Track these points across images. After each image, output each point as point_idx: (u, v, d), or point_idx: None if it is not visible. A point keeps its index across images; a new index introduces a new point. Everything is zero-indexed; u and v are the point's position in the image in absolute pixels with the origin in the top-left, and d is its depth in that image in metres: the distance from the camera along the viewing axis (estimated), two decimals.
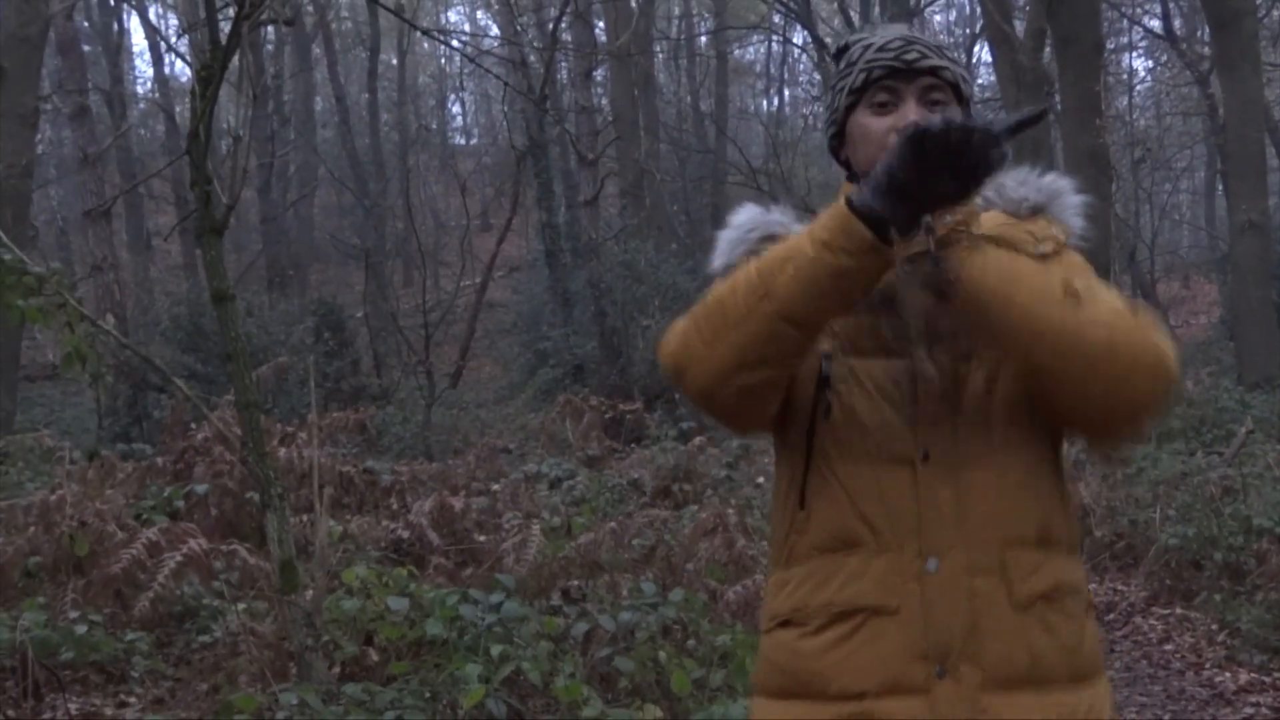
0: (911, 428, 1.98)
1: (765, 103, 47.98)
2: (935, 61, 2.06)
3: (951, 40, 43.39)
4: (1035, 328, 1.88)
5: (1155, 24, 29.67)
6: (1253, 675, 6.43)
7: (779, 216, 2.18)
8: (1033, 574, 1.96)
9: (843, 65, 2.13)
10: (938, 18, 45.28)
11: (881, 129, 2.04)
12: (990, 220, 2.11)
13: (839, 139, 2.16)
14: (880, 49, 2.07)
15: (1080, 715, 1.95)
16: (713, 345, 1.98)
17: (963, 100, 2.09)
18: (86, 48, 27.10)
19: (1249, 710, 6.01)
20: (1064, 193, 2.16)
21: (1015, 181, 2.16)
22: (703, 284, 2.15)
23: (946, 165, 1.78)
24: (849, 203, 1.85)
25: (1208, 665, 6.79)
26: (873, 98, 2.07)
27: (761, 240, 2.14)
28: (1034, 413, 1.99)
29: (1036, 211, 2.13)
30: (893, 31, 2.10)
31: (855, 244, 1.85)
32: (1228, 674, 6.56)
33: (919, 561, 1.94)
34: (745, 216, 2.21)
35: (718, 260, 2.18)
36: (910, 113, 2.02)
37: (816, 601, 1.99)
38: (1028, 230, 2.08)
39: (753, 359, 1.95)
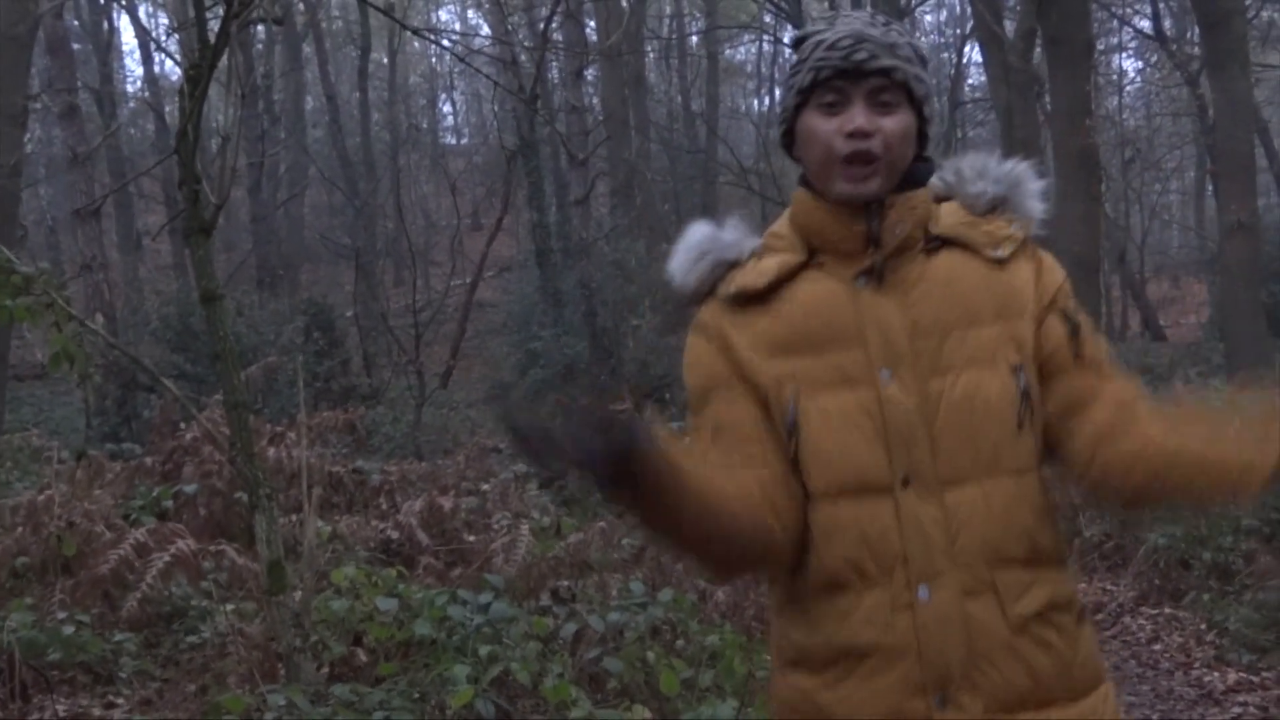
0: (887, 455, 1.95)
1: (756, 102, 47.98)
2: (885, 62, 1.99)
3: (942, 40, 43.50)
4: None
5: (1145, 25, 29.72)
6: (1241, 675, 6.45)
7: (731, 236, 2.15)
8: (1025, 594, 1.94)
9: (795, 61, 2.09)
10: (928, 18, 45.28)
11: (828, 131, 2.00)
12: (948, 215, 2.09)
13: (790, 137, 2.12)
14: (830, 47, 2.01)
15: None
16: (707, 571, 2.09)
17: (915, 102, 2.04)
18: (76, 46, 27.00)
19: (1237, 710, 6.02)
20: (1023, 180, 2.12)
21: (973, 171, 2.12)
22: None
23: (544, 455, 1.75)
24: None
25: (1196, 665, 6.81)
26: (821, 98, 2.02)
27: (713, 267, 2.12)
28: (1015, 424, 1.97)
29: (995, 206, 2.10)
30: (846, 27, 2.03)
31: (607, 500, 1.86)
32: (1216, 674, 6.58)
33: (909, 592, 1.92)
34: (696, 238, 2.16)
35: (675, 281, 2.17)
36: (857, 115, 1.98)
37: (814, 642, 1.99)
38: (985, 231, 2.06)
39: (729, 565, 2.09)
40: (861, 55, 1.99)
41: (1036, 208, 2.11)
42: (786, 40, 37.57)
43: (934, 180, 2.12)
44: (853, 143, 1.98)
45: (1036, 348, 2.03)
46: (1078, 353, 2.04)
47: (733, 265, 2.11)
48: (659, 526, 1.90)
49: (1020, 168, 2.13)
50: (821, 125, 2.02)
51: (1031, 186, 2.12)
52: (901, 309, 2.00)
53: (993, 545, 1.93)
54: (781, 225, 2.15)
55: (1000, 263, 2.04)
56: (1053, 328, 2.04)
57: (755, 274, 2.08)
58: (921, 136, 2.07)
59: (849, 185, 2.00)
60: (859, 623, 1.94)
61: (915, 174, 2.06)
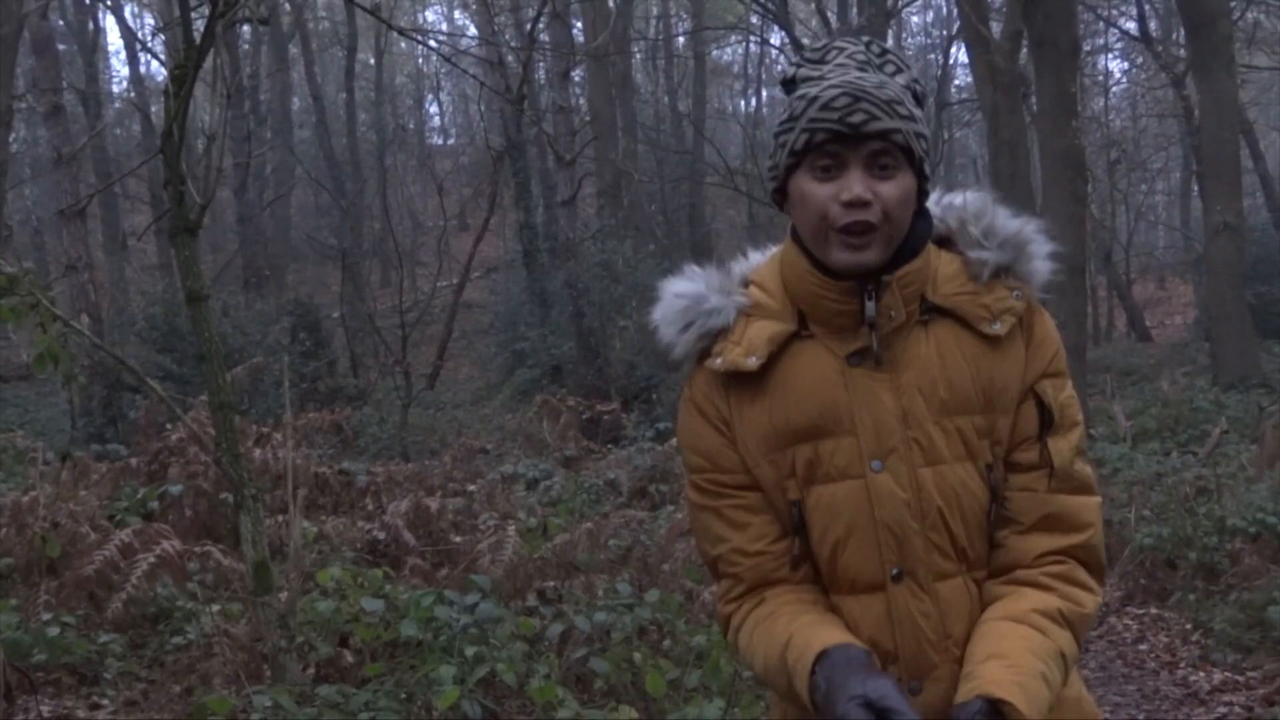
0: (878, 551, 1.93)
1: (743, 103, 48.11)
2: (884, 125, 1.87)
3: (928, 41, 43.58)
4: None
5: (1131, 26, 29.81)
6: (1226, 675, 6.46)
7: (715, 300, 2.05)
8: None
9: (785, 117, 1.96)
10: (914, 19, 45.42)
11: (823, 197, 1.90)
12: (946, 282, 2.00)
13: (782, 194, 2.01)
14: (825, 106, 1.88)
15: None
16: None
17: (915, 162, 1.93)
18: (61, 46, 26.93)
19: (1222, 709, 6.03)
20: (1030, 243, 2.02)
21: (978, 228, 2.02)
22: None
23: None
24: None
25: (1182, 665, 6.82)
26: (815, 161, 1.91)
27: (700, 338, 2.04)
28: (988, 521, 1.97)
29: (999, 274, 2.01)
30: (839, 77, 1.91)
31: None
32: (1202, 673, 6.59)
33: (901, 688, 1.86)
34: (679, 305, 2.08)
35: (662, 342, 2.09)
36: (855, 184, 1.88)
37: None
38: (983, 304, 1.98)
39: None
40: (859, 118, 1.87)
41: (1042, 270, 2.03)
42: (774, 42, 37.60)
43: (935, 221, 2.04)
44: (850, 213, 1.88)
45: (1010, 433, 1.99)
46: (1043, 451, 1.98)
47: (719, 334, 2.04)
48: None
49: (1028, 229, 2.02)
50: (816, 191, 1.91)
51: (1037, 249, 2.02)
52: (894, 394, 1.95)
53: (968, 625, 1.94)
54: (770, 280, 2.07)
55: (995, 340, 1.97)
56: (1027, 414, 1.99)
57: (745, 349, 1.99)
58: (920, 193, 1.97)
59: (846, 254, 1.90)
60: None
61: (914, 235, 1.97)
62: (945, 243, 2.05)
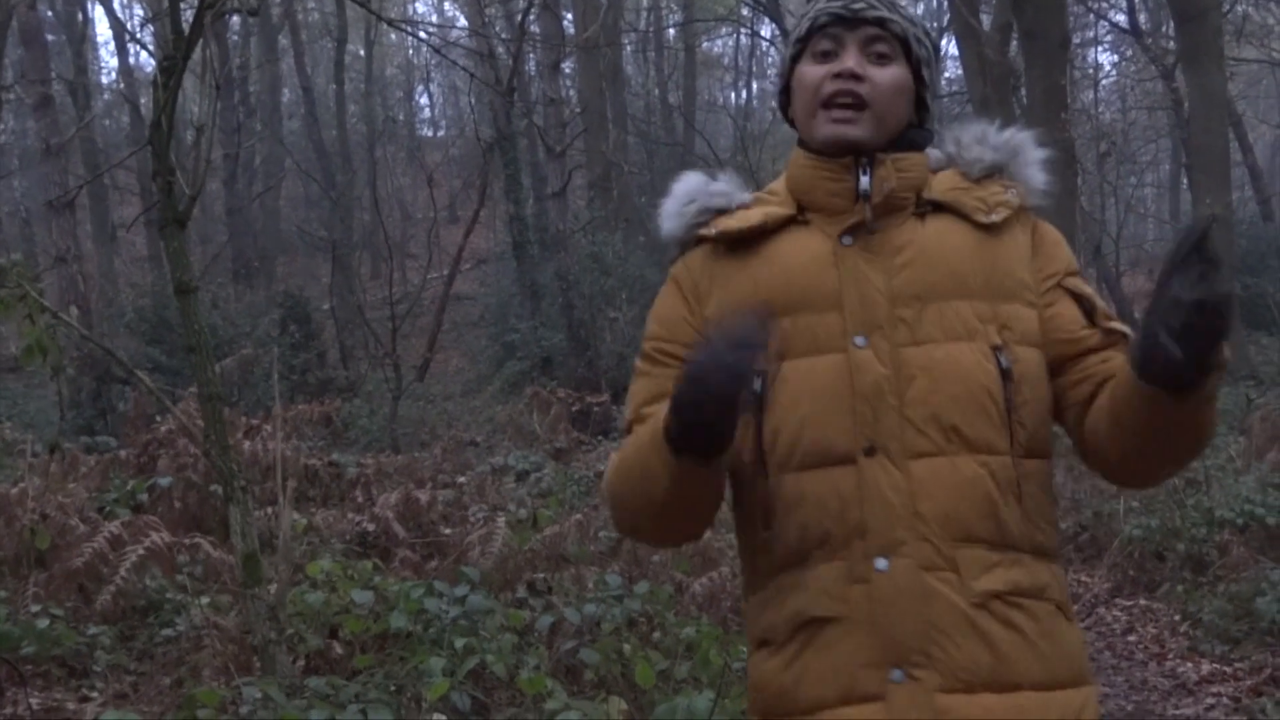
0: (853, 422, 1.90)
1: (733, 95, 48.09)
2: (882, 13, 2.00)
3: None
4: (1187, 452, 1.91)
5: (1121, 18, 29.82)
6: (1214, 666, 6.48)
7: (722, 186, 2.13)
8: (986, 572, 1.87)
9: (796, 21, 2.10)
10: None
11: (816, 76, 2.00)
12: (942, 182, 2.06)
13: (787, 95, 2.11)
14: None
15: (1051, 716, 1.86)
16: (635, 526, 2.07)
17: (913, 59, 2.03)
18: (50, 37, 26.85)
19: (1210, 700, 6.05)
20: (1024, 148, 2.08)
21: (972, 139, 2.09)
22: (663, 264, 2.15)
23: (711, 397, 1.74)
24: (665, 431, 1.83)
25: (1170, 656, 6.84)
26: (816, 46, 2.02)
27: (699, 213, 2.10)
28: (992, 404, 1.92)
29: (992, 172, 2.06)
30: None
31: (673, 465, 1.85)
32: (1190, 664, 6.61)
33: (866, 563, 1.87)
34: (685, 187, 2.15)
35: (663, 228, 2.15)
36: (849, 60, 1.98)
37: (780, 618, 1.94)
38: (978, 196, 2.03)
39: (672, 522, 2.00)
40: (859, 5, 2.00)
41: (1037, 177, 2.08)
42: (765, 34, 37.59)
43: (933, 151, 2.09)
44: (839, 82, 1.98)
45: (1045, 332, 1.99)
46: (1102, 329, 1.98)
47: (720, 213, 2.10)
48: (701, 480, 1.88)
49: (1021, 136, 2.09)
50: (811, 71, 2.02)
51: (1032, 155, 2.08)
52: (885, 274, 1.96)
53: (956, 520, 1.87)
54: (777, 184, 2.14)
55: (992, 229, 2.00)
56: (1065, 310, 2.00)
57: (740, 220, 2.06)
58: (921, 104, 2.06)
59: (831, 126, 1.99)
60: (815, 594, 1.90)
61: (912, 139, 2.04)
62: (942, 169, 2.10)
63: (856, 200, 2.00)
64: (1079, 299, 2.01)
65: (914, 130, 2.05)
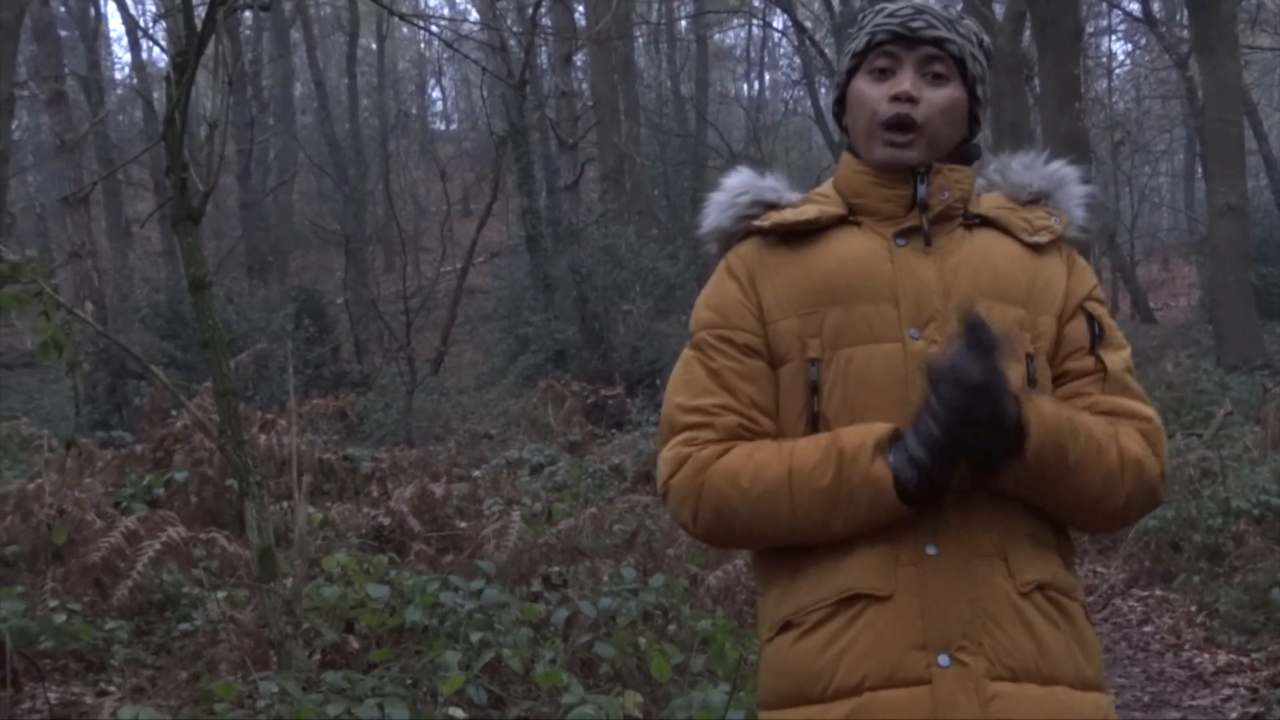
0: (906, 410, 1.90)
1: (745, 87, 47.97)
2: (941, 33, 2.03)
3: None
4: (1088, 509, 1.97)
5: (1134, 7, 29.69)
6: (1231, 656, 6.47)
7: (772, 182, 2.15)
8: (1029, 564, 1.90)
9: (853, 30, 2.12)
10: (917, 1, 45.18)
11: (875, 96, 2.03)
12: (989, 202, 2.10)
13: (842, 105, 2.14)
14: (889, 15, 2.05)
15: (1085, 716, 1.88)
16: (741, 540, 2.07)
17: (968, 79, 2.06)
18: (63, 33, 26.91)
19: (1227, 691, 6.04)
20: (1068, 182, 2.14)
21: (1021, 165, 2.14)
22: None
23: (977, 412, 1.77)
24: (894, 481, 1.84)
25: (1187, 646, 6.83)
26: (873, 63, 2.05)
27: (751, 204, 2.12)
28: None
29: (1038, 199, 2.11)
30: None
31: (891, 513, 1.87)
32: (1206, 655, 6.60)
33: (917, 547, 1.88)
34: (738, 180, 2.16)
35: (708, 223, 2.16)
36: (905, 81, 2.00)
37: (813, 597, 1.93)
38: (1024, 217, 2.07)
39: (793, 542, 1.99)
40: (918, 23, 2.02)
41: (1077, 213, 2.13)
42: (777, 25, 37.51)
43: (978, 178, 2.13)
44: (895, 106, 2.00)
45: (1057, 345, 2.04)
46: (1096, 357, 2.04)
47: (770, 206, 2.11)
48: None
49: (1066, 170, 2.15)
50: (869, 90, 2.04)
51: (1075, 190, 2.14)
52: (938, 273, 1.99)
53: (1003, 511, 1.90)
54: (825, 187, 2.16)
55: (1036, 249, 2.05)
56: (1077, 328, 2.05)
57: (793, 213, 2.08)
58: (972, 119, 2.10)
59: (888, 150, 2.02)
60: (863, 571, 1.90)
61: (964, 154, 2.09)
62: (986, 192, 2.16)
63: (912, 208, 2.03)
64: (1092, 321, 2.07)
65: (965, 145, 2.10)
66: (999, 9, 18.22)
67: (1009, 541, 1.90)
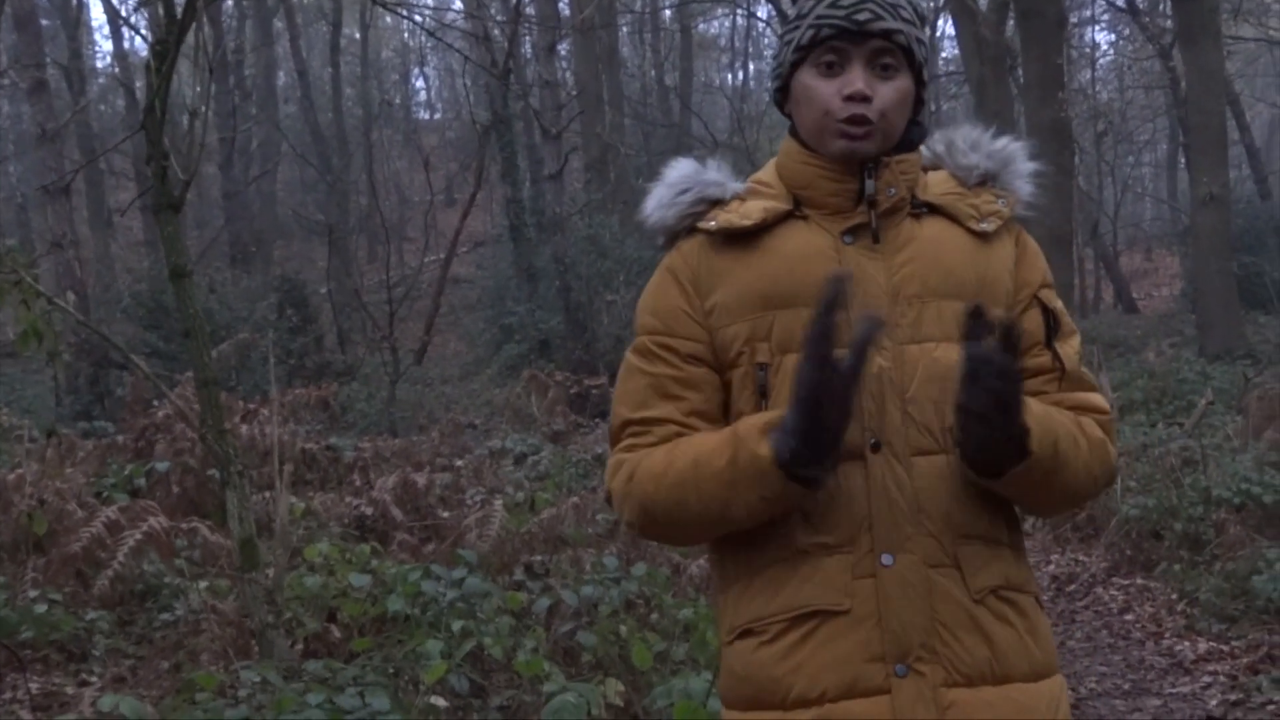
0: (859, 418, 1.89)
1: (730, 76, 48.06)
2: (889, 24, 1.96)
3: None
4: (1067, 500, 2.02)
5: None
6: (1211, 644, 6.49)
7: (715, 175, 2.10)
8: (984, 568, 1.91)
9: (794, 15, 2.04)
10: None
11: (827, 92, 1.97)
12: (936, 184, 2.07)
13: (784, 93, 2.08)
14: (832, 4, 1.97)
15: (1041, 710, 1.91)
16: (673, 535, 2.06)
17: (915, 67, 2.01)
18: (44, 22, 26.80)
19: (1207, 679, 6.06)
20: (1015, 159, 2.10)
21: (966, 144, 2.11)
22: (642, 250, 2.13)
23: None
24: (774, 458, 1.82)
25: (1167, 634, 6.86)
26: (820, 57, 1.98)
27: (695, 202, 2.07)
28: None
29: (985, 180, 2.08)
30: None
31: (786, 496, 1.86)
32: (1187, 643, 6.62)
33: (872, 558, 1.88)
34: (679, 175, 2.11)
35: (651, 218, 2.12)
36: (857, 79, 1.95)
37: (772, 609, 1.92)
38: (972, 204, 2.05)
39: (718, 534, 2.00)
40: (864, 16, 1.95)
41: (1025, 189, 2.09)
42: (761, 15, 37.48)
43: (923, 149, 2.11)
44: (850, 106, 1.95)
45: None
46: (1053, 352, 2.04)
47: (715, 203, 2.07)
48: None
49: (1013, 146, 2.11)
50: (820, 86, 1.98)
51: (1022, 167, 2.10)
52: (886, 272, 1.97)
53: (957, 518, 1.90)
54: (768, 174, 2.11)
55: (983, 237, 2.02)
56: (1032, 320, 2.04)
57: (740, 214, 2.02)
58: (917, 100, 2.05)
59: (845, 143, 1.97)
60: (820, 586, 1.89)
61: (909, 137, 2.04)
62: (932, 169, 2.11)
63: (859, 202, 2.00)
64: (1047, 313, 2.06)
65: (910, 127, 2.05)
66: None
67: (962, 548, 1.90)
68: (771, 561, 1.94)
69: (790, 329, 1.94)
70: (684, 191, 2.09)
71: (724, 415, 2.02)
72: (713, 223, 2.04)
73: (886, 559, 1.88)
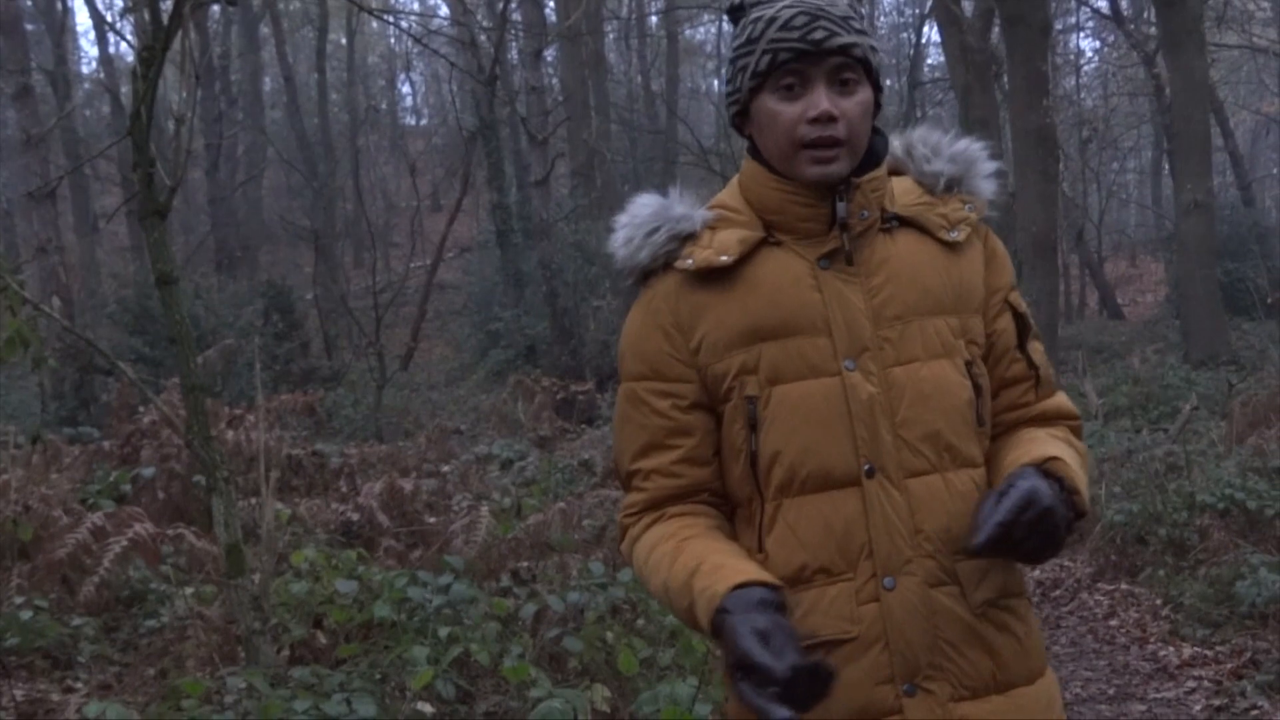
0: (853, 445, 1.92)
1: (716, 82, 47.93)
2: (845, 39, 1.93)
3: (900, 20, 43.57)
4: None
5: (1102, 4, 29.88)
6: (1195, 649, 6.51)
7: (681, 209, 2.07)
8: (983, 581, 1.93)
9: (742, 38, 2.00)
10: None
11: (791, 116, 1.94)
12: (903, 193, 2.07)
13: (743, 116, 2.06)
14: (784, 26, 1.93)
15: (1041, 709, 1.96)
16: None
17: (872, 74, 1.99)
18: (29, 27, 26.70)
19: (1191, 684, 6.08)
20: (977, 160, 2.10)
21: (926, 148, 2.10)
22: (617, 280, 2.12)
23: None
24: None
25: (1152, 640, 6.87)
26: (779, 81, 1.95)
27: (667, 240, 2.05)
28: (973, 419, 1.99)
29: (950, 186, 2.08)
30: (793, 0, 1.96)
31: None
32: (1171, 648, 6.64)
33: (874, 583, 1.90)
34: (647, 212, 2.09)
35: (621, 257, 2.10)
36: (821, 100, 1.92)
37: None
38: (940, 213, 2.05)
39: None
40: (820, 35, 1.92)
41: (988, 188, 2.10)
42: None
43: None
44: (817, 128, 1.93)
45: (989, 345, 2.06)
46: (1026, 357, 2.07)
47: (686, 239, 2.05)
48: None
49: (974, 148, 2.11)
50: (783, 110, 1.96)
51: (984, 167, 2.10)
52: (864, 295, 1.97)
53: (954, 535, 1.92)
54: (732, 198, 2.10)
55: (954, 246, 2.03)
56: (1004, 324, 2.07)
57: (716, 249, 2.01)
58: (876, 106, 2.03)
59: (816, 168, 1.95)
60: (824, 616, 1.91)
61: (873, 149, 2.03)
62: (895, 173, 2.11)
63: (831, 226, 1.99)
64: (1018, 317, 2.09)
65: (872, 138, 2.04)
66: (968, 6, 18.29)
67: (960, 564, 1.93)
68: None
69: (777, 362, 1.96)
70: (654, 231, 2.06)
71: (716, 454, 2.05)
72: (689, 261, 2.02)
73: (888, 582, 1.91)
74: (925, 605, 1.90)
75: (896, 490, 1.92)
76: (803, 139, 1.94)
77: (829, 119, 1.93)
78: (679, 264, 2.03)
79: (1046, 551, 1.81)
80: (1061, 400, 2.10)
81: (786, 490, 1.95)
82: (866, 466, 1.92)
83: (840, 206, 1.97)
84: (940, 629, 1.90)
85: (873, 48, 2.00)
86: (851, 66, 1.96)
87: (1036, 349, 2.09)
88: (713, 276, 2.01)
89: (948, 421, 1.95)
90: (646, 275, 2.09)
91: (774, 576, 1.90)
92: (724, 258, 2.00)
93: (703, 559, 1.92)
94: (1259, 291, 21.00)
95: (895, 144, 2.12)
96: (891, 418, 1.94)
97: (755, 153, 2.07)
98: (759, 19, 1.98)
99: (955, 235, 2.03)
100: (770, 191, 2.02)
